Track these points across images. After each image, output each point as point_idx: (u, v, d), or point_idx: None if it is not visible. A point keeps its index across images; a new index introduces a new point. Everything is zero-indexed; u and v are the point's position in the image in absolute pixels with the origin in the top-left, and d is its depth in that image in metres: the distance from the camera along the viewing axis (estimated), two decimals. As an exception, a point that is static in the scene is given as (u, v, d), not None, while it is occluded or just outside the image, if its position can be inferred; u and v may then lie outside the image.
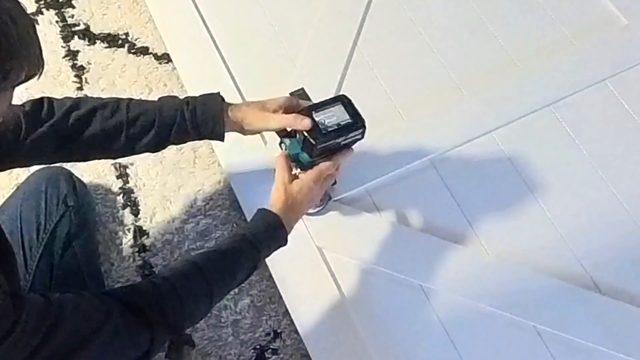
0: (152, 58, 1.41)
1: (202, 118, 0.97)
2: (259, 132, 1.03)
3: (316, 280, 1.13)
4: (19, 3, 0.62)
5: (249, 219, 1.17)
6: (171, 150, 1.29)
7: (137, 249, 1.21)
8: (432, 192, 1.23)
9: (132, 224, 1.23)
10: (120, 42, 1.43)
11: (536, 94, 1.32)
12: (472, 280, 1.14)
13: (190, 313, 0.85)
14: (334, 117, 0.96)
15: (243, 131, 1.01)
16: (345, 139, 0.97)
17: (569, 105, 1.31)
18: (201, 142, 1.29)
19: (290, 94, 1.04)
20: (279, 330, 1.15)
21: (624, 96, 1.32)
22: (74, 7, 1.47)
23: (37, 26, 1.46)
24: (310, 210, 1.14)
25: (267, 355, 1.13)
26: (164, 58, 1.40)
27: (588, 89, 1.33)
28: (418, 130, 1.27)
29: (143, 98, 1.05)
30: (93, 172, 1.28)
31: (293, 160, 1.00)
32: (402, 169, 1.23)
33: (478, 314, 1.11)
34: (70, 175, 1.11)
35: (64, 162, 1.01)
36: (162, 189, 1.26)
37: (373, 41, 1.39)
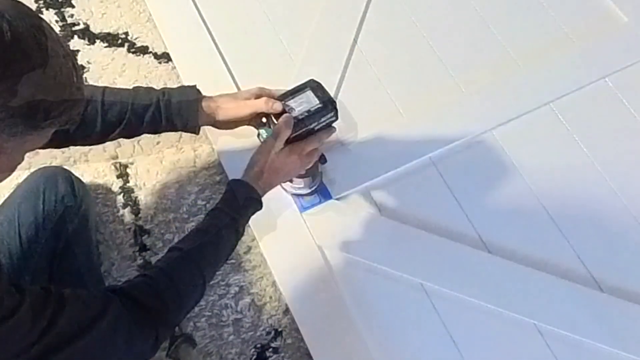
0: (152, 57, 1.41)
1: (176, 109, 0.99)
2: (233, 122, 1.03)
3: (317, 278, 1.14)
4: (77, 62, 0.67)
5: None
6: (171, 150, 1.30)
7: (137, 249, 1.21)
8: (432, 190, 1.23)
9: (133, 223, 1.23)
10: (120, 41, 1.43)
11: (536, 91, 1.32)
12: (473, 278, 1.14)
13: (188, 300, 0.87)
14: (303, 103, 0.97)
15: (218, 124, 1.03)
16: (319, 123, 0.99)
17: (569, 103, 1.31)
18: (201, 141, 1.30)
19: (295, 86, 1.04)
20: (279, 329, 1.15)
21: (624, 94, 1.32)
22: (73, 7, 1.47)
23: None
24: (304, 191, 1.16)
25: (267, 354, 1.13)
26: (164, 57, 1.40)
27: (588, 86, 1.32)
28: (418, 128, 1.27)
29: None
30: (93, 171, 1.28)
31: None
32: (403, 167, 1.23)
33: (478, 311, 1.11)
34: (69, 175, 1.11)
35: (42, 149, 1.02)
36: (162, 188, 1.26)
37: (373, 39, 1.39)
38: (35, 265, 1.01)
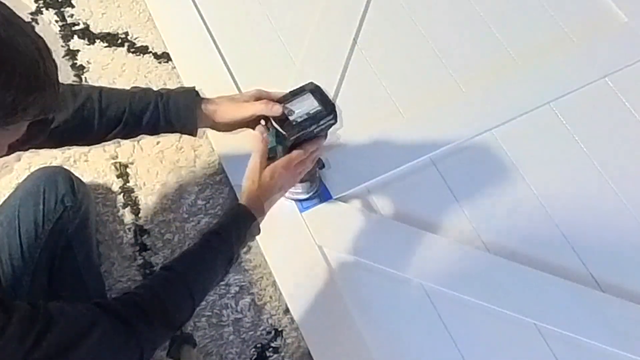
0: (152, 57, 1.41)
1: (175, 111, 0.98)
2: (231, 124, 1.01)
3: (317, 278, 1.14)
4: (47, 47, 0.64)
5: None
6: (171, 149, 1.30)
7: (137, 248, 1.21)
8: (432, 190, 1.23)
9: (133, 223, 1.24)
10: (119, 41, 1.43)
11: (536, 91, 1.32)
12: (473, 278, 1.14)
13: (174, 318, 0.86)
14: (303, 106, 0.96)
15: (216, 125, 1.02)
16: (318, 127, 0.98)
17: (569, 103, 1.31)
18: (201, 141, 1.30)
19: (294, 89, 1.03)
20: (279, 329, 1.15)
21: (623, 93, 1.32)
22: (73, 7, 1.47)
23: (36, 26, 1.47)
24: (302, 196, 1.16)
25: (268, 354, 1.13)
26: (164, 57, 1.40)
27: (588, 86, 1.32)
28: (418, 128, 1.27)
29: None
30: (93, 171, 1.28)
31: (270, 153, 1.00)
32: (402, 167, 1.23)
33: (478, 311, 1.11)
34: (69, 175, 1.11)
35: (37, 149, 1.01)
36: (162, 188, 1.26)
37: (373, 39, 1.39)
38: (35, 265, 1.00)
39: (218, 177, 1.27)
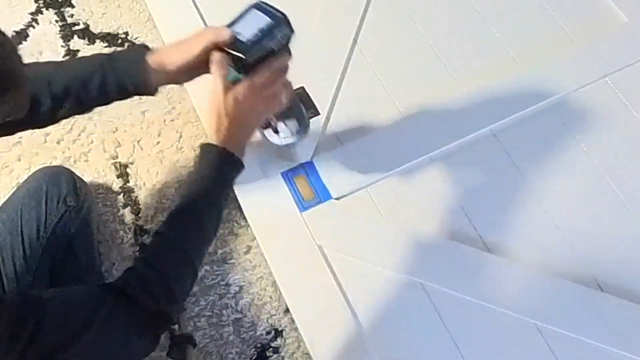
0: (152, 57, 1.40)
1: (124, 69, 0.89)
2: (187, 71, 0.91)
3: (317, 278, 1.13)
4: (16, 50, 0.62)
5: (248, 218, 1.18)
6: (171, 149, 1.30)
7: (137, 248, 1.21)
8: (432, 190, 1.23)
9: (133, 223, 1.24)
10: (119, 41, 1.43)
11: (536, 91, 1.32)
12: (474, 278, 1.14)
13: (180, 287, 0.83)
14: (252, 24, 0.89)
15: (173, 77, 0.91)
16: (274, 40, 0.90)
17: (569, 103, 1.31)
18: (201, 141, 1.29)
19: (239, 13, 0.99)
20: (279, 329, 1.15)
21: (624, 93, 1.32)
22: (73, 7, 1.47)
23: (36, 26, 1.47)
24: (291, 139, 1.08)
25: (268, 354, 1.13)
26: (164, 57, 1.40)
27: (588, 86, 1.32)
28: (418, 128, 1.27)
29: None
30: (93, 171, 1.28)
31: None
32: (402, 166, 1.23)
33: (479, 311, 1.11)
34: (71, 175, 1.11)
35: None
36: (162, 187, 1.27)
37: (373, 39, 1.39)
38: (37, 264, 1.01)
39: (218, 177, 1.27)
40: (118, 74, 0.89)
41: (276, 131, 1.07)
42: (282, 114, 1.04)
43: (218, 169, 0.89)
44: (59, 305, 0.71)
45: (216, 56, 0.87)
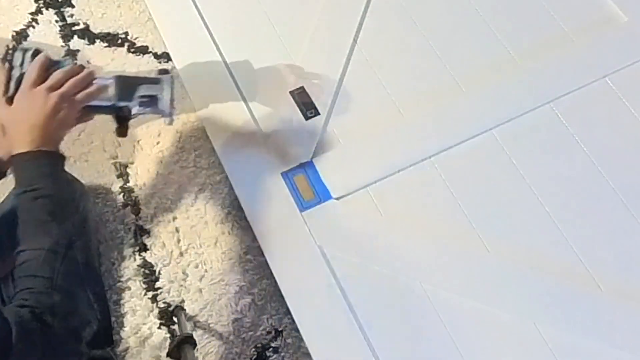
0: (152, 57, 1.41)
1: None
2: None
3: (317, 278, 1.13)
4: None
5: (248, 218, 1.18)
6: (171, 149, 1.30)
7: (137, 248, 1.21)
8: (432, 191, 1.22)
9: (133, 223, 1.24)
10: (119, 41, 1.43)
11: (536, 91, 1.32)
12: (474, 279, 1.14)
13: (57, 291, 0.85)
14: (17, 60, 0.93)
15: None
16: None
17: (569, 103, 1.31)
18: (201, 141, 1.29)
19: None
20: (279, 329, 1.15)
21: (624, 93, 1.32)
22: (73, 7, 1.47)
23: (36, 26, 1.46)
24: (106, 102, 0.99)
25: (268, 354, 1.13)
26: (164, 57, 1.40)
27: (588, 86, 1.32)
28: (418, 128, 1.27)
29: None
30: (93, 171, 1.28)
31: None
32: (403, 167, 1.23)
33: (478, 312, 1.11)
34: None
35: None
36: (162, 188, 1.27)
37: (373, 39, 1.39)
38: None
39: (218, 177, 1.27)
40: None
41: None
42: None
43: (36, 172, 0.88)
44: None
45: None
